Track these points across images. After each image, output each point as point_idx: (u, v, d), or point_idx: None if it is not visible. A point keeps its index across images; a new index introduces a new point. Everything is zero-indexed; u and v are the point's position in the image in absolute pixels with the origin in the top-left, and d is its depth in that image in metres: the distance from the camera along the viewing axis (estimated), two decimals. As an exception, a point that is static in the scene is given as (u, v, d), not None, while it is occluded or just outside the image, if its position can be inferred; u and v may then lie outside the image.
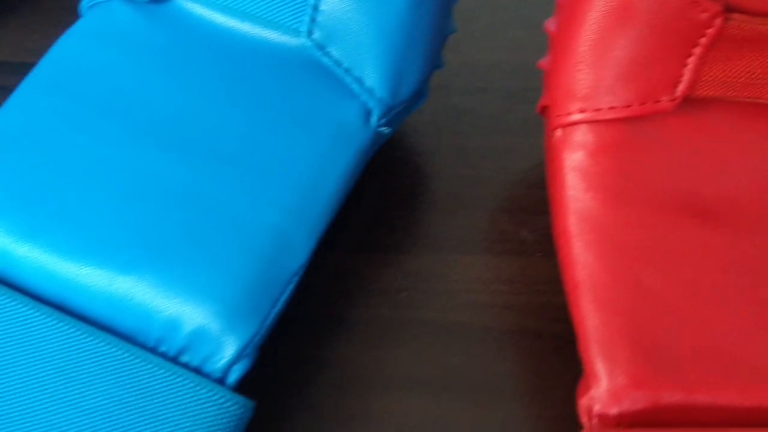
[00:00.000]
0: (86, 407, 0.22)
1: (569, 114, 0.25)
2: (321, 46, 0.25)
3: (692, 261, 0.24)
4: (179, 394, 0.22)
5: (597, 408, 0.23)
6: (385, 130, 0.26)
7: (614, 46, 0.24)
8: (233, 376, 0.23)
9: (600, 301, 0.23)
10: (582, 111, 0.25)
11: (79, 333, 0.23)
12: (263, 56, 0.26)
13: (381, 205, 0.31)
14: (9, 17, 0.36)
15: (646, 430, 0.22)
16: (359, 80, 0.25)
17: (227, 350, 0.22)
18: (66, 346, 0.22)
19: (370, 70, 0.25)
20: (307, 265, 0.24)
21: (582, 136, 0.25)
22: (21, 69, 0.34)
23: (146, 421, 0.21)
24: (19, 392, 0.22)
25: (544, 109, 0.27)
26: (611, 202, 0.24)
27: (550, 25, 0.26)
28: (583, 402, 0.23)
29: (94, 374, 0.22)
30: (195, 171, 0.24)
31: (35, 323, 0.23)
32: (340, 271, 0.29)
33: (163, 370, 0.22)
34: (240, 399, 0.22)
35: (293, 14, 0.25)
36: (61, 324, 0.23)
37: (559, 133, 0.25)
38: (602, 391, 0.23)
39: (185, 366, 0.23)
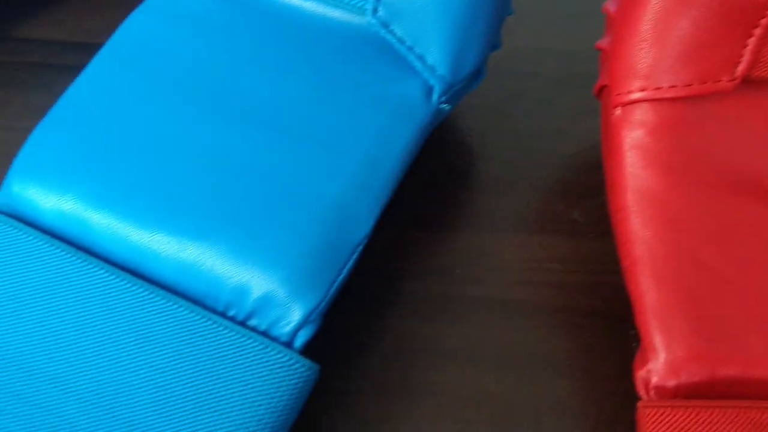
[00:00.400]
0: (160, 366, 0.22)
1: (629, 92, 0.25)
2: (385, 24, 0.26)
3: (749, 237, 0.24)
4: (249, 355, 0.23)
5: (655, 380, 0.23)
6: (445, 106, 0.27)
7: (676, 26, 0.24)
8: (299, 341, 0.23)
9: (658, 276, 0.24)
10: (642, 89, 0.25)
11: (152, 296, 0.23)
12: (328, 34, 0.27)
13: (434, 184, 0.31)
14: (64, 1, 0.37)
15: (702, 402, 0.23)
16: (422, 58, 0.26)
17: (294, 315, 0.23)
18: (140, 308, 0.23)
19: (433, 48, 0.26)
20: (370, 236, 0.25)
21: (642, 114, 0.25)
22: (80, 49, 0.35)
23: (217, 380, 0.22)
24: (96, 351, 0.23)
25: (602, 89, 0.27)
26: (670, 179, 0.25)
27: (610, 6, 0.27)
28: (640, 374, 0.24)
29: (166, 335, 0.23)
30: (263, 143, 0.25)
31: (110, 286, 0.23)
32: (394, 247, 0.30)
33: (232, 333, 0.23)
34: (307, 362, 0.23)
35: (358, -8, 0.26)
36: (135, 287, 0.23)
37: (618, 111, 0.26)
38: (660, 363, 0.23)
39: (253, 330, 0.23)
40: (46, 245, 0.24)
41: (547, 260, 0.30)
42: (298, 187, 0.24)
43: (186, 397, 0.22)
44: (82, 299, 0.23)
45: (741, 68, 0.25)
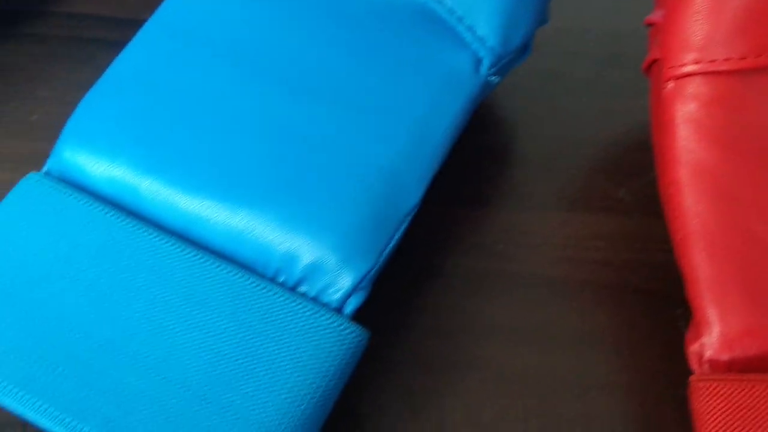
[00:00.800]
0: (211, 329, 0.22)
1: (683, 65, 0.25)
2: (435, -5, 0.26)
3: (805, 214, 0.24)
4: (300, 320, 0.23)
5: (708, 354, 0.23)
6: (493, 79, 0.27)
7: (732, -2, 0.24)
8: (349, 308, 0.23)
9: (712, 251, 0.24)
10: (696, 62, 0.25)
11: (203, 260, 0.23)
12: (378, 5, 0.27)
13: (476, 162, 0.31)
14: (114, -24, 0.37)
15: (757, 376, 0.22)
16: (471, 29, 0.26)
17: (344, 282, 0.23)
18: (191, 272, 0.23)
19: (483, 19, 0.26)
20: (420, 205, 0.25)
21: (695, 87, 0.25)
22: (124, 24, 0.35)
23: (268, 344, 0.22)
24: (147, 314, 0.23)
25: (652, 64, 0.27)
26: (724, 153, 0.24)
27: (662, -21, 0.27)
28: (693, 349, 0.23)
29: (218, 299, 0.23)
30: (313, 112, 0.25)
31: (162, 251, 0.24)
32: (437, 222, 0.29)
33: (283, 298, 0.23)
34: (357, 328, 0.23)
35: (409, -37, 0.26)
36: (186, 252, 0.24)
37: (671, 85, 0.25)
38: (714, 337, 0.23)
39: (303, 296, 0.23)
40: (97, 210, 0.24)
41: (591, 238, 0.29)
42: (349, 155, 0.24)
43: (237, 360, 0.22)
44: (133, 263, 0.23)
45: (797, 42, 0.24)
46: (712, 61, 0.25)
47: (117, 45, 0.29)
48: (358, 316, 0.24)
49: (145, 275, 0.23)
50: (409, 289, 0.28)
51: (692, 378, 0.23)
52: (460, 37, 0.26)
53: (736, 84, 0.25)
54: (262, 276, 0.24)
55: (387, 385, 0.26)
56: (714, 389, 0.22)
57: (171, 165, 0.25)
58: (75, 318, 0.23)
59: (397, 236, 0.24)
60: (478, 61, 0.26)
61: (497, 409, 0.26)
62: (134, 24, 0.28)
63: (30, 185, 0.25)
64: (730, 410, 0.22)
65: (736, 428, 0.22)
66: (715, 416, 0.22)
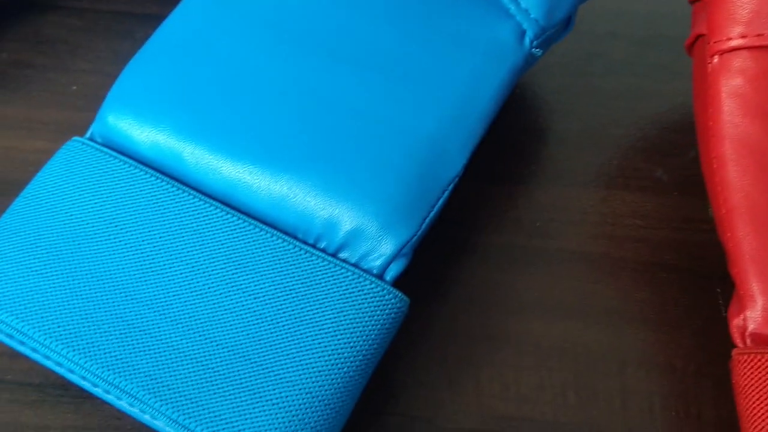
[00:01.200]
0: (253, 292, 0.23)
1: (729, 40, 0.25)
2: (479, -34, 0.26)
3: None
4: (341, 285, 0.23)
5: (752, 328, 0.23)
6: (536, 51, 0.26)
7: (781, -30, 0.24)
8: (390, 274, 0.23)
9: (757, 224, 0.23)
10: (743, 36, 0.25)
11: (246, 225, 0.24)
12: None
13: (513, 140, 0.31)
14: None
15: (802, 351, 0.22)
16: (515, 0, 0.26)
17: (385, 248, 0.23)
18: (234, 236, 0.23)
19: (527, -9, 0.26)
20: (462, 174, 0.24)
21: (741, 62, 0.25)
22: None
23: (310, 308, 0.22)
24: (190, 276, 0.23)
25: (696, 40, 0.27)
26: (770, 128, 0.24)
27: (709, -46, 0.26)
28: (736, 323, 0.23)
29: (260, 263, 0.23)
30: (355, 80, 0.25)
31: (205, 215, 0.24)
32: (475, 198, 0.29)
33: (325, 263, 0.23)
34: (399, 294, 0.23)
35: (453, -66, 0.26)
36: (228, 216, 0.24)
37: (716, 59, 0.25)
38: (758, 311, 0.23)
39: (344, 261, 0.23)
40: (140, 173, 0.24)
41: (629, 216, 0.29)
42: (392, 123, 0.24)
43: (279, 322, 0.22)
44: (177, 226, 0.24)
45: None
46: (758, 35, 0.24)
47: (156, 19, 0.30)
48: (396, 286, 0.24)
49: (188, 238, 0.23)
50: (446, 262, 0.28)
51: (735, 351, 0.23)
52: (504, 8, 0.26)
53: (783, 58, 0.25)
54: (303, 242, 0.24)
55: (423, 355, 0.26)
56: (757, 362, 0.22)
57: (214, 131, 0.25)
58: (118, 278, 0.23)
59: (439, 204, 0.24)
60: (521, 33, 0.26)
61: (534, 382, 0.26)
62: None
63: (74, 149, 0.25)
64: (773, 383, 0.22)
65: (779, 401, 0.22)
66: (757, 389, 0.22)
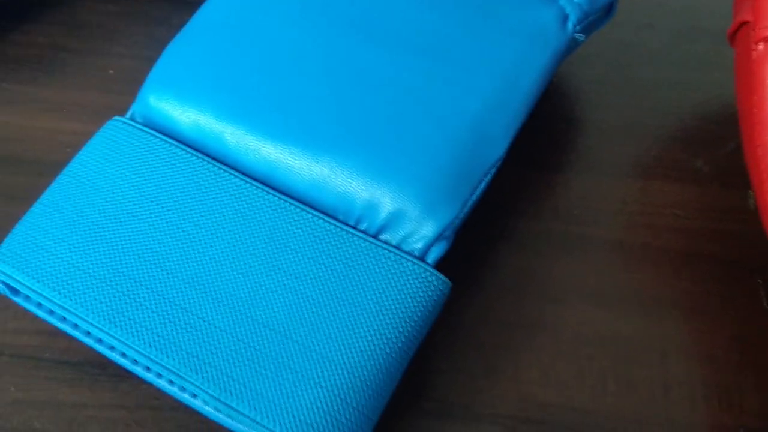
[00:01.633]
0: (294, 272, 0.22)
1: (777, 25, 0.24)
2: (523, -50, 0.26)
3: None
4: (383, 266, 0.22)
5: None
6: (579, 36, 0.26)
7: (833, -45, 0.24)
8: (432, 256, 0.23)
9: (804, 212, 0.23)
10: (791, 22, 0.24)
11: (286, 205, 0.23)
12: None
13: (554, 128, 0.31)
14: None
15: None
16: (559, -15, 0.26)
17: (427, 230, 0.23)
18: (275, 216, 0.23)
19: (571, -24, 0.26)
20: (505, 157, 0.24)
21: (789, 48, 0.24)
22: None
23: (352, 288, 0.22)
24: (231, 255, 0.23)
25: (739, 28, 0.27)
26: (818, 115, 0.24)
27: (755, -60, 0.26)
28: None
29: (301, 243, 0.23)
30: (397, 62, 0.25)
31: (245, 195, 0.24)
32: (514, 185, 0.29)
33: (366, 243, 0.23)
34: (441, 276, 0.23)
35: None
36: (269, 195, 0.24)
37: (761, 46, 0.25)
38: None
39: (386, 243, 0.23)
40: (182, 152, 0.24)
41: (669, 206, 0.29)
42: (434, 104, 0.24)
43: (320, 303, 0.22)
44: (218, 206, 0.24)
45: None
46: (807, 21, 0.24)
47: (192, 5, 0.30)
48: (436, 269, 0.24)
49: (229, 217, 0.23)
50: (483, 247, 0.28)
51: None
52: (547, -8, 0.26)
53: (832, 45, 0.24)
54: (344, 223, 0.24)
55: (460, 341, 0.26)
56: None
57: (255, 112, 0.25)
58: (160, 256, 0.23)
59: (481, 187, 0.24)
60: (564, 17, 0.26)
61: (573, 369, 0.25)
62: None
63: (115, 128, 0.25)
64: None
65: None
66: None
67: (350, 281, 0.22)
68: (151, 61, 0.28)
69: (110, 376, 0.25)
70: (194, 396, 0.22)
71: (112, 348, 0.23)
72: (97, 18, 0.34)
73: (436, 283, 0.22)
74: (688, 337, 0.26)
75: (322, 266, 0.22)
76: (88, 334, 0.23)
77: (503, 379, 0.25)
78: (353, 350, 0.21)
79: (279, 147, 0.24)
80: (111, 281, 0.22)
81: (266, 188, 0.24)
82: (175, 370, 0.21)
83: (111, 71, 0.32)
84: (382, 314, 0.22)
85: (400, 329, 0.22)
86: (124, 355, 0.22)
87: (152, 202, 0.24)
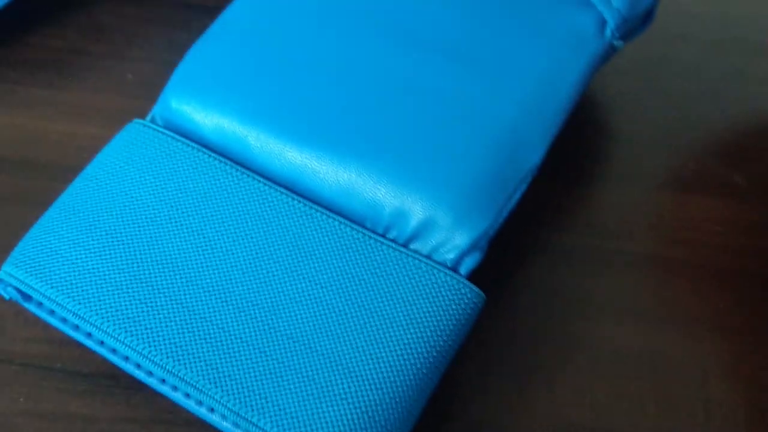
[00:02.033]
0: (320, 281, 0.21)
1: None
2: (560, -47, 0.25)
3: None
4: (414, 276, 0.21)
5: None
6: (617, 43, 0.25)
7: None
8: (464, 268, 0.22)
9: None
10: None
11: (312, 211, 0.22)
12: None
13: (587, 139, 0.30)
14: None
15: None
16: (597, -11, 0.25)
17: (459, 240, 0.22)
18: (299, 222, 0.22)
19: (609, -20, 0.25)
20: (541, 165, 0.23)
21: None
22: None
23: (380, 299, 0.21)
24: (253, 263, 0.22)
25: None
26: None
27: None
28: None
29: (327, 251, 0.22)
30: (427, 64, 0.24)
31: (270, 200, 0.23)
32: (546, 196, 0.28)
33: (396, 252, 0.22)
34: (475, 288, 0.21)
35: None
36: (295, 202, 0.23)
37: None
38: None
39: (416, 252, 0.22)
40: (204, 156, 0.23)
41: (707, 221, 0.28)
42: (467, 108, 0.23)
43: (347, 313, 0.21)
44: (241, 211, 0.22)
45: None
46: None
47: (213, 10, 0.29)
48: (469, 281, 0.23)
49: (252, 223, 0.22)
50: (515, 261, 0.27)
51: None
52: (585, -3, 0.25)
53: None
54: (372, 231, 0.22)
55: (491, 358, 0.25)
56: None
57: (280, 115, 0.24)
58: (179, 263, 0.22)
59: (517, 195, 0.23)
60: (602, 23, 0.25)
61: (610, 390, 0.24)
62: None
63: (135, 131, 0.24)
64: None
65: None
66: None
67: (379, 292, 0.21)
68: (170, 65, 0.27)
69: (123, 389, 0.24)
70: (211, 410, 0.21)
71: (126, 359, 0.21)
72: (116, 21, 0.33)
73: (470, 295, 0.21)
74: (729, 357, 0.25)
75: (349, 276, 0.21)
76: (101, 343, 0.22)
77: (536, 399, 0.24)
78: (382, 364, 0.20)
79: (305, 151, 0.23)
80: (127, 288, 0.21)
81: (291, 194, 0.23)
82: (192, 382, 0.20)
83: (129, 75, 0.32)
84: (413, 327, 0.21)
85: (431, 343, 0.21)
86: (138, 366, 0.21)
87: (172, 206, 0.23)
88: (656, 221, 0.28)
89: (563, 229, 0.27)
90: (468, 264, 0.22)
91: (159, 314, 0.21)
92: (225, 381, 0.20)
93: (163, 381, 0.21)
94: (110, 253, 0.22)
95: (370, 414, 0.20)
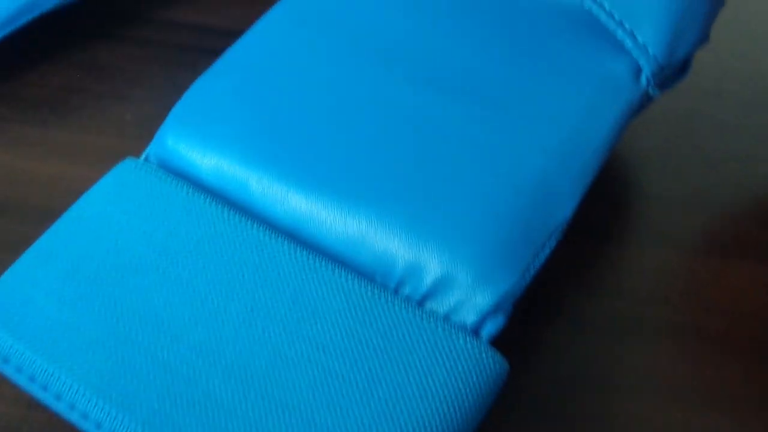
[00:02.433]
0: (322, 342, 0.19)
1: None
2: (592, -5, 0.23)
3: None
4: (429, 340, 0.19)
5: None
6: (653, 92, 0.23)
7: None
8: (486, 332, 0.19)
9: None
10: None
11: (317, 263, 0.20)
12: (526, 3, 0.24)
13: (616, 196, 0.28)
14: (222, -13, 0.35)
15: None
16: (632, 34, 0.23)
17: (481, 300, 0.19)
18: (302, 275, 0.20)
19: (646, 24, 0.23)
20: (570, 220, 0.21)
21: None
22: (228, 34, 0.33)
23: (391, 365, 0.18)
24: (248, 320, 0.19)
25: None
26: None
27: None
28: None
29: (331, 309, 0.19)
30: (447, 106, 0.22)
31: (269, 249, 0.20)
32: (571, 257, 0.26)
33: (409, 312, 0.19)
34: (498, 355, 0.19)
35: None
36: (297, 252, 0.20)
37: None
38: None
39: (432, 313, 0.20)
40: (199, 199, 0.21)
41: (749, 289, 0.25)
42: (491, 155, 0.21)
43: (352, 381, 0.18)
44: (236, 261, 0.20)
45: None
46: None
47: (221, 53, 0.27)
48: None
49: (249, 275, 0.20)
50: (537, 327, 0.24)
51: None
52: (619, 42, 0.23)
53: None
54: (383, 286, 0.20)
55: (512, 436, 0.22)
56: None
57: (285, 159, 0.22)
58: (165, 317, 0.19)
59: (545, 252, 0.20)
60: (637, 70, 0.23)
61: (647, 479, 0.21)
62: (240, 35, 0.26)
63: (127, 169, 0.22)
64: None
65: None
66: None
67: (388, 357, 0.19)
68: (172, 107, 0.25)
69: (95, 459, 0.21)
70: (193, 489, 0.18)
71: (98, 425, 0.19)
72: (119, 61, 0.32)
73: (492, 364, 0.19)
74: (782, 444, 0.22)
75: (355, 337, 0.19)
76: (72, 407, 0.19)
77: (562, 485, 0.21)
78: (390, 442, 0.18)
79: (310, 197, 0.21)
80: (105, 344, 0.19)
81: (294, 243, 0.21)
82: (171, 455, 0.18)
83: (129, 116, 0.30)
84: (427, 399, 0.18)
85: (449, 418, 0.18)
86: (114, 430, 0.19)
87: (161, 254, 0.20)
88: (693, 287, 0.25)
89: (591, 292, 0.25)
90: (490, 328, 0.19)
91: (138, 375, 0.19)
92: (209, 456, 0.17)
93: (139, 452, 0.19)
94: (88, 304, 0.20)
95: (375, 500, 0.17)
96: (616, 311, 0.25)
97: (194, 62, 0.32)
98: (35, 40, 0.32)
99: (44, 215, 0.26)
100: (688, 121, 0.30)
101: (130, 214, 0.21)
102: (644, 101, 0.23)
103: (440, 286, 0.20)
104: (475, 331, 0.19)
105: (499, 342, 0.21)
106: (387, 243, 0.20)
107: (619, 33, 0.23)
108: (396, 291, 0.20)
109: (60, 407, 0.19)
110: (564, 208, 0.21)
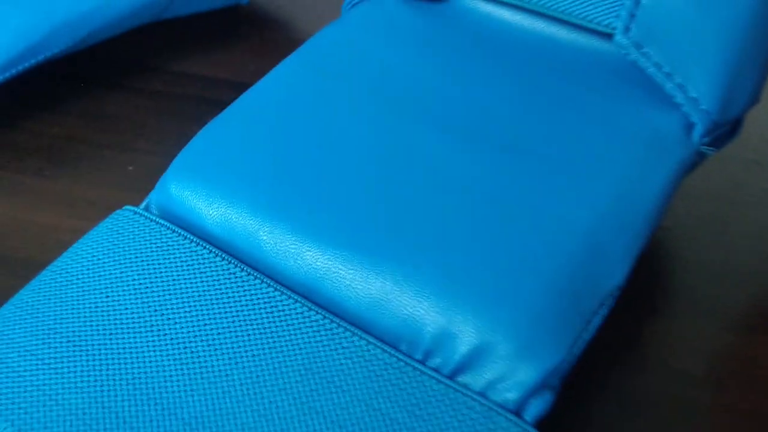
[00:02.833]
0: (339, 419, 0.16)
1: None
2: (638, 45, 0.21)
3: None
4: (463, 418, 0.16)
5: None
6: (707, 149, 0.21)
7: None
8: (531, 412, 0.17)
9: None
10: None
11: (333, 326, 0.18)
12: (563, 53, 0.22)
13: (658, 266, 0.25)
14: (238, 42, 0.34)
15: None
16: (682, 87, 0.21)
17: (525, 375, 0.17)
18: (316, 339, 0.17)
19: (698, 77, 0.21)
20: (623, 286, 0.19)
21: None
22: (237, 86, 0.32)
23: (420, 449, 0.16)
24: (254, 390, 0.17)
25: None
26: None
27: None
28: None
29: (350, 378, 0.17)
30: (485, 160, 0.20)
31: (280, 308, 0.18)
32: (613, 330, 0.23)
33: (441, 386, 0.17)
34: (546, 441, 0.16)
35: (608, 8, 0.22)
36: (312, 313, 0.18)
37: None
38: None
39: (465, 387, 0.17)
40: (205, 252, 0.19)
41: (812, 372, 0.23)
42: (536, 214, 0.19)
43: (374, 466, 0.16)
44: (243, 321, 0.18)
45: None
46: None
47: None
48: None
49: (256, 339, 0.17)
50: (578, 405, 0.21)
51: None
52: (669, 96, 0.21)
53: None
54: (408, 356, 0.18)
55: None
56: None
57: (300, 210, 0.19)
58: (157, 385, 0.17)
59: (596, 321, 0.18)
60: (689, 126, 0.21)
61: None
62: (248, 87, 0.25)
63: (123, 219, 0.20)
64: None
65: None
66: None
67: (417, 438, 0.16)
68: (178, 158, 0.23)
69: None
70: None
71: None
72: (126, 111, 0.30)
73: (539, 450, 0.16)
74: None
75: (378, 413, 0.16)
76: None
77: None
78: None
79: (328, 252, 0.19)
80: (86, 419, 0.16)
81: (308, 303, 0.18)
82: None
83: (131, 167, 0.28)
84: (462, 491, 0.15)
85: None
86: None
87: (156, 311, 0.18)
88: (749, 368, 0.23)
89: (635, 369, 0.22)
90: (535, 408, 0.17)
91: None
92: None
93: None
94: (69, 369, 0.17)
95: None
96: (663, 391, 0.22)
97: (204, 115, 0.30)
98: (36, 86, 0.30)
99: (33, 268, 0.23)
100: (732, 190, 0.28)
101: (124, 265, 0.19)
102: (696, 160, 0.21)
103: (476, 357, 0.17)
104: (518, 410, 0.17)
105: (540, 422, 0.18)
106: (415, 306, 0.18)
107: (668, 86, 0.21)
108: (424, 361, 0.17)
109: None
110: (615, 273, 0.18)
